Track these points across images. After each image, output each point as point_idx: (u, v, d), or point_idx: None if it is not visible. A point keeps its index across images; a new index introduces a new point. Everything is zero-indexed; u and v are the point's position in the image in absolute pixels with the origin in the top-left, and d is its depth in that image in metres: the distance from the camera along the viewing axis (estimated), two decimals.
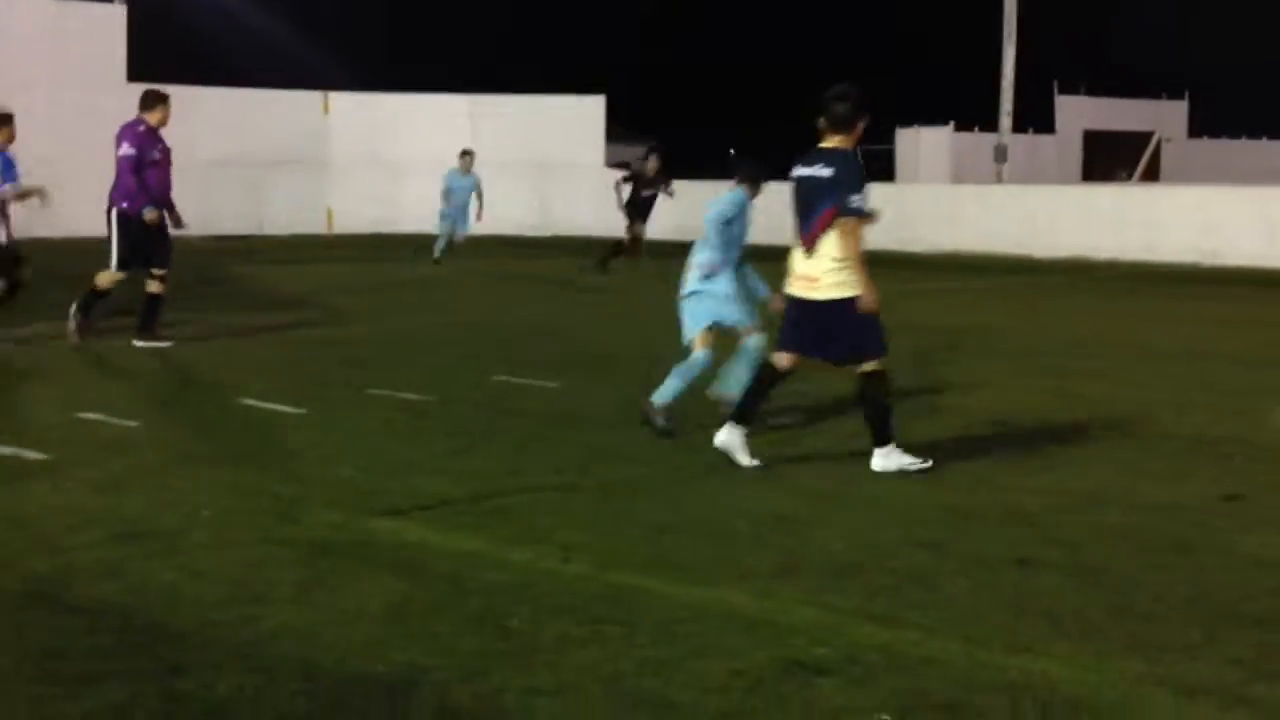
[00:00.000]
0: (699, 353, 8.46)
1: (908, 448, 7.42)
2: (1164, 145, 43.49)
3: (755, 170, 8.53)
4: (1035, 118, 39.34)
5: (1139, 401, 9.90)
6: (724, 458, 7.46)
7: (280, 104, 31.78)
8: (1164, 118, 44.21)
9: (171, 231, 12.37)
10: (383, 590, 5.21)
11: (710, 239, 8.35)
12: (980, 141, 36.06)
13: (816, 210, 7.29)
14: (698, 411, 8.38)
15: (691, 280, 8.56)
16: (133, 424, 8.55)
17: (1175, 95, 44.76)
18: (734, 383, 8.33)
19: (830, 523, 6.34)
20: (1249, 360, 12.25)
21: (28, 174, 12.85)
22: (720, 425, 7.61)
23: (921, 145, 39.09)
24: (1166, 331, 14.51)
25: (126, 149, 12.04)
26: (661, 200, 21.79)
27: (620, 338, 13.52)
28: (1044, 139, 40.40)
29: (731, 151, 32.84)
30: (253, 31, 44.11)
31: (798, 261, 7.45)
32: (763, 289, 8.52)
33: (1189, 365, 11.93)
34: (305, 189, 31.71)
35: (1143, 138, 43.37)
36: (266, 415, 8.99)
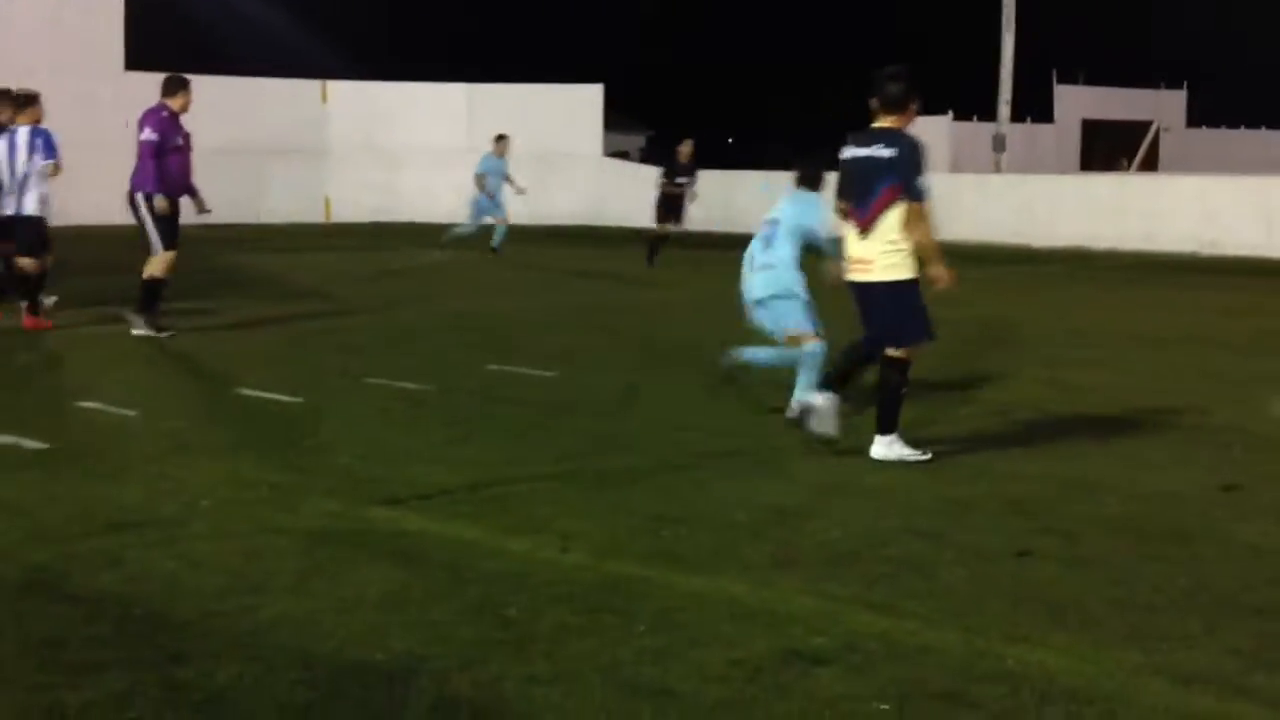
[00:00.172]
0: (812, 345, 8.09)
1: (908, 439, 7.42)
2: (1163, 135, 43.42)
3: (817, 169, 8.45)
4: (1034, 107, 39.28)
5: (1138, 391, 9.90)
6: (721, 448, 7.45)
7: (278, 93, 31.73)
8: (1163, 107, 44.13)
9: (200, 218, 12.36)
10: (381, 579, 5.22)
11: (796, 246, 8.12)
12: (978, 130, 35.98)
13: (875, 191, 7.23)
14: (697, 407, 8.38)
15: (766, 285, 8.25)
16: (131, 413, 8.54)
17: (1174, 84, 44.69)
18: (756, 356, 8.34)
19: (829, 513, 6.34)
20: (1248, 350, 12.25)
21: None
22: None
23: (919, 134, 38.93)
24: (1165, 321, 14.51)
25: (149, 133, 11.95)
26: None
27: (619, 328, 13.51)
28: (1042, 128, 40.32)
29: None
30: (250, 20, 44.01)
31: (853, 244, 7.39)
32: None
33: (1188, 355, 11.93)
34: (303, 178, 31.69)
35: (1141, 127, 43.29)
36: (265, 404, 8.99)
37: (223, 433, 8.13)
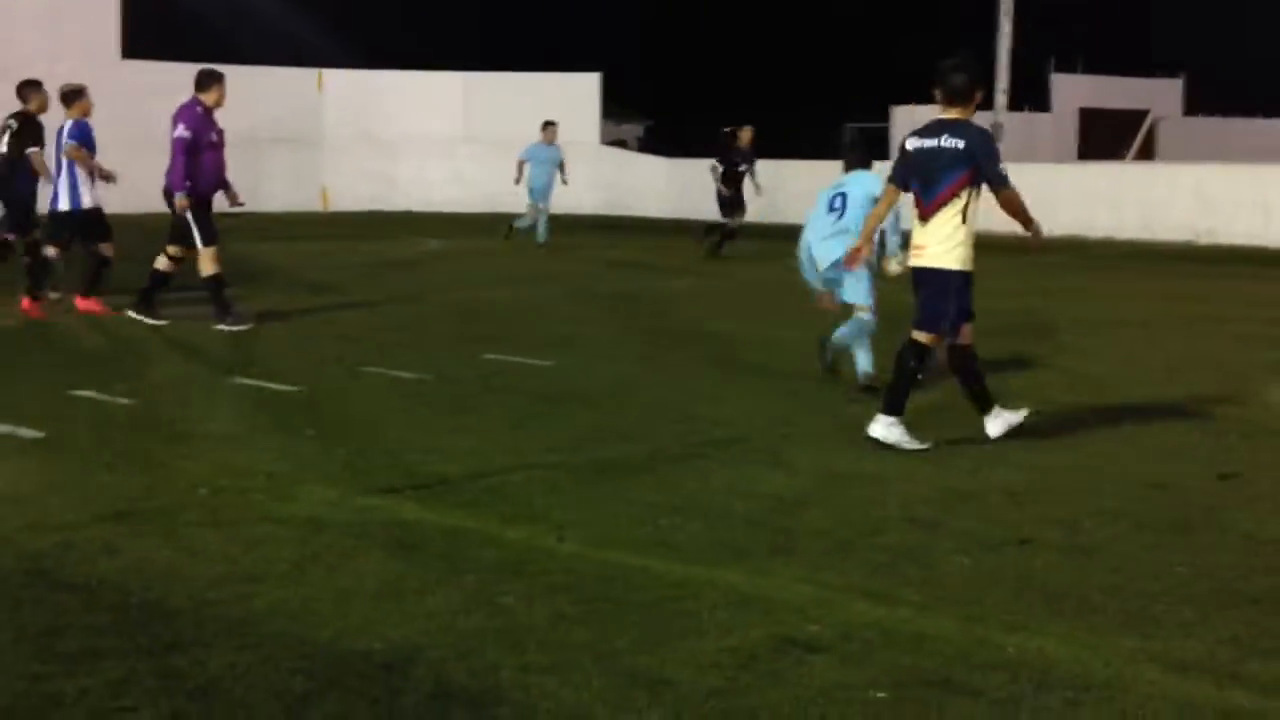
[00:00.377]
0: (867, 315, 9.05)
1: (910, 428, 7.42)
2: (1160, 124, 43.39)
3: (866, 154, 9.84)
4: (1031, 96, 39.23)
5: (1135, 380, 9.91)
6: (721, 437, 7.45)
7: (273, 81, 31.60)
8: (1160, 96, 44.09)
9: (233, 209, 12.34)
10: (378, 568, 5.22)
11: (854, 222, 8.86)
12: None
13: (943, 181, 7.40)
14: (695, 400, 8.38)
15: (831, 254, 8.98)
16: (128, 402, 8.54)
17: (1171, 73, 44.66)
18: (843, 336, 9.14)
19: (827, 502, 6.34)
20: (1245, 339, 12.25)
21: None
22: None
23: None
24: (1162, 310, 14.51)
25: (182, 130, 11.74)
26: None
27: (618, 320, 13.49)
28: (1040, 117, 40.28)
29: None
30: (245, 8, 43.90)
31: (916, 232, 7.55)
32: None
33: (1185, 344, 11.94)
34: (299, 166, 31.64)
35: (1139, 116, 43.28)
36: (262, 393, 8.98)
37: (220, 422, 8.13)
